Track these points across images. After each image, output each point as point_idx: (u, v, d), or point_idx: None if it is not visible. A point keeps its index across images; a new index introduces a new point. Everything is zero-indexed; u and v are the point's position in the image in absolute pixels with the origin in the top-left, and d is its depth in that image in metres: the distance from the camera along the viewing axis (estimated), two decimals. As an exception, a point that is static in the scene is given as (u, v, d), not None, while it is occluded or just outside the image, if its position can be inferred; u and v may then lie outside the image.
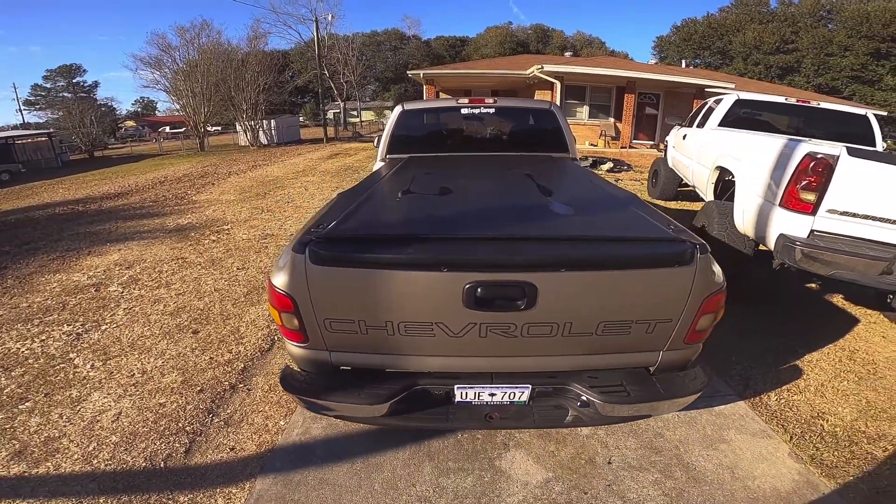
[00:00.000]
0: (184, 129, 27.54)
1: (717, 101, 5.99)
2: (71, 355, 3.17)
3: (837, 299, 4.08)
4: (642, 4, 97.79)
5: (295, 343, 1.74)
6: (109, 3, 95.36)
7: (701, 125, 6.00)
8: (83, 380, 2.87)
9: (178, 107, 22.73)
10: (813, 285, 4.15)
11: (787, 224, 3.06)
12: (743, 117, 5.57)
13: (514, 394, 1.74)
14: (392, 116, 3.94)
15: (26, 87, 58.24)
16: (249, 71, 21.97)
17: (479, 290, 1.51)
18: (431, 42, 57.57)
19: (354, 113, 45.70)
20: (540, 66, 12.32)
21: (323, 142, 23.05)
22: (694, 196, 7.21)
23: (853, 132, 5.17)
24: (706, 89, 14.18)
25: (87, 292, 4.31)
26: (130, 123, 50.93)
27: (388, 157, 3.84)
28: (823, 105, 5.51)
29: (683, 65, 28.53)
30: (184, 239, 5.99)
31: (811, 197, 2.96)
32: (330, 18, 30.64)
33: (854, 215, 2.94)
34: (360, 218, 1.94)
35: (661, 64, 35.10)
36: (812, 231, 2.98)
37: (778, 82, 33.50)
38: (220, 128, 35.72)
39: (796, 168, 2.99)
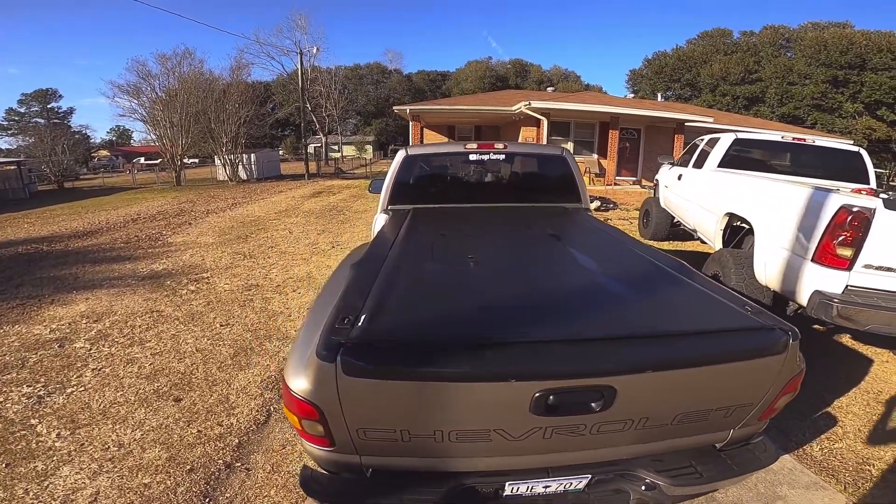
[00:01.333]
0: (160, 160, 26.77)
1: (714, 140, 5.94)
2: (32, 421, 2.81)
3: (846, 339, 4.09)
4: (615, 39, 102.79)
5: (318, 447, 1.47)
6: (90, 27, 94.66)
7: (699, 165, 5.92)
8: (49, 450, 2.52)
9: (154, 137, 22.13)
10: (819, 327, 4.12)
11: (822, 280, 2.93)
12: (742, 157, 5.53)
13: (571, 483, 1.55)
14: (394, 162, 3.67)
15: (0, 111, 56.45)
16: (231, 102, 21.67)
17: (550, 397, 1.31)
18: (413, 76, 58.83)
19: (335, 147, 45.67)
20: (528, 103, 12.44)
21: (304, 178, 22.65)
22: (685, 236, 7.13)
23: (848, 168, 5.24)
24: (686, 123, 14.55)
25: (49, 348, 3.89)
26: (104, 153, 49.59)
27: (390, 207, 3.56)
28: (819, 142, 5.57)
29: (660, 98, 29.62)
30: (159, 288, 5.51)
31: (847, 252, 2.84)
32: (315, 51, 30.84)
33: (890, 269, 2.83)
34: (393, 308, 1.65)
35: (636, 98, 36.38)
36: (847, 287, 2.87)
37: (745, 113, 34.67)
38: (196, 160, 35.05)
39: (831, 222, 2.87)
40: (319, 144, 40.70)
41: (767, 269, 3.44)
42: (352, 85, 52.93)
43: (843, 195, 2.92)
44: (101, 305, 4.93)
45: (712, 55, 41.41)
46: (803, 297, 3.06)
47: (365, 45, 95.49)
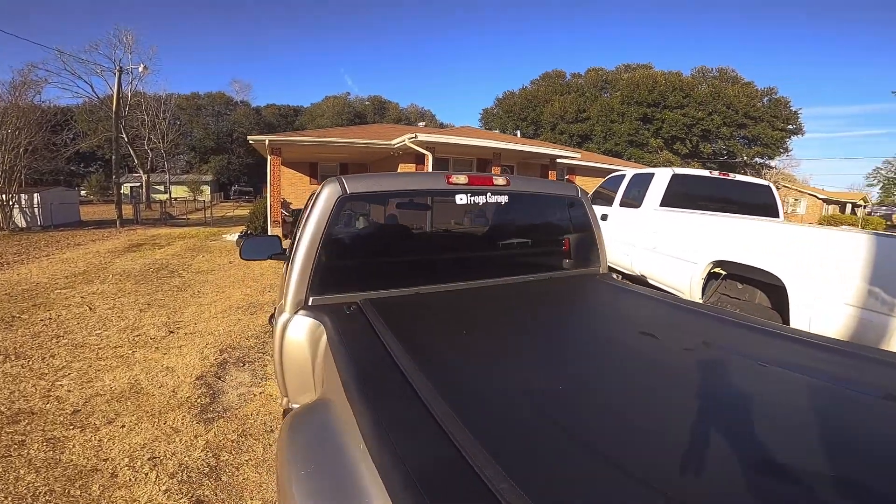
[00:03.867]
0: None
1: (643, 177, 5.76)
2: None
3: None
4: (468, 78, 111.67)
5: None
6: None
7: (632, 204, 5.60)
8: None
9: None
10: None
11: None
12: (681, 193, 5.29)
13: None
14: (317, 208, 1.96)
15: None
16: (7, 126, 15.83)
17: None
18: (262, 109, 54.35)
19: (161, 188, 38.67)
20: (413, 136, 11.21)
21: (116, 225, 17.33)
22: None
23: (761, 200, 5.52)
24: (557, 160, 15.14)
25: None
26: None
27: (313, 301, 1.89)
28: (738, 177, 5.74)
29: (518, 135, 31.89)
30: None
31: None
32: (140, 70, 24.95)
33: None
34: None
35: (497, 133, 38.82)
36: None
37: (577, 149, 39.87)
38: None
39: None
40: (139, 184, 33.64)
41: (824, 329, 2.95)
42: (186, 116, 46.11)
43: None
44: None
45: (552, 95, 46.26)
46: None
47: (209, 73, 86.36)
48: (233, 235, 13.46)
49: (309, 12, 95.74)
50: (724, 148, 40.62)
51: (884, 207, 38.70)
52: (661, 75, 40.48)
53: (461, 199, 2.17)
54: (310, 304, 1.87)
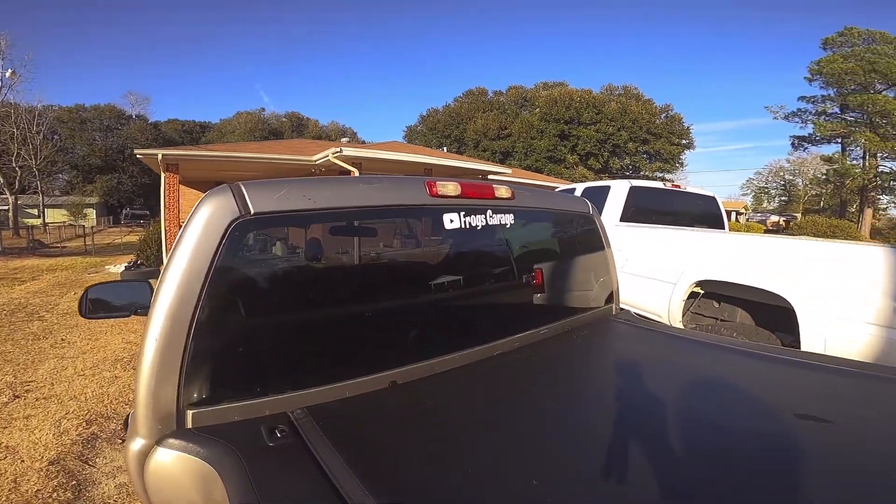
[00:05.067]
0: None
1: (598, 189, 5.45)
2: None
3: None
4: (391, 95, 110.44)
5: None
6: None
7: None
8: None
9: None
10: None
11: None
12: (639, 206, 5.06)
13: None
14: (189, 243, 1.03)
15: None
16: None
17: None
18: (161, 124, 49.18)
19: (34, 212, 33.53)
20: (338, 150, 10.10)
21: (-34, 255, 14.20)
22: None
23: (708, 210, 5.54)
24: (489, 176, 14.95)
25: None
26: None
27: (192, 416, 1.02)
28: (688, 189, 5.75)
29: (444, 150, 31.66)
30: None
31: None
32: (8, 76, 20.77)
33: None
34: None
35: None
36: None
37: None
38: None
39: None
40: (7, 207, 28.50)
41: (846, 350, 2.71)
42: (67, 130, 40.24)
43: None
44: None
45: (475, 112, 47.05)
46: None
47: (101, 83, 76.64)
48: (118, 266, 11.30)
49: (220, 17, 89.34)
50: (630, 163, 44.07)
51: (758, 214, 44.16)
52: (576, 93, 42.98)
53: (451, 221, 1.37)
54: (188, 423, 1.00)
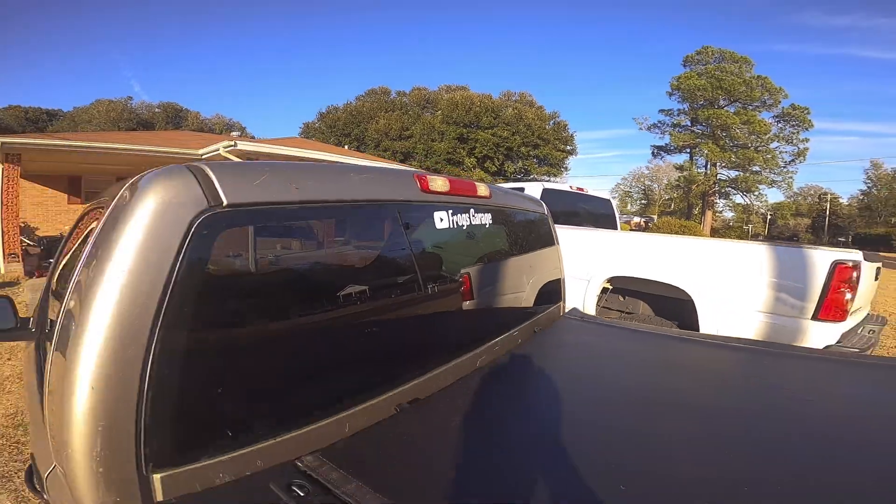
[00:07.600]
0: None
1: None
2: None
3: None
4: (287, 89, 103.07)
5: None
6: None
7: None
8: None
9: None
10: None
11: (826, 335, 2.95)
12: (551, 208, 5.40)
13: None
14: (133, 237, 0.75)
15: None
16: None
17: None
18: (-1, 111, 39.89)
19: None
20: (231, 144, 9.11)
21: None
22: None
23: (604, 212, 6.09)
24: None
25: None
26: None
27: (159, 479, 0.73)
28: (589, 192, 6.20)
29: (346, 148, 30.44)
30: None
31: (848, 304, 2.91)
32: None
33: (854, 312, 3.07)
34: None
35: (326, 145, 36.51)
36: (842, 335, 3.00)
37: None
38: None
39: (833, 277, 2.89)
40: None
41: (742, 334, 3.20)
42: None
43: (833, 252, 2.94)
44: None
45: (377, 112, 46.29)
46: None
47: None
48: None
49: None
50: (522, 167, 47.23)
51: (624, 216, 50.93)
52: (477, 97, 44.73)
53: (441, 219, 1.29)
54: (157, 494, 0.74)
